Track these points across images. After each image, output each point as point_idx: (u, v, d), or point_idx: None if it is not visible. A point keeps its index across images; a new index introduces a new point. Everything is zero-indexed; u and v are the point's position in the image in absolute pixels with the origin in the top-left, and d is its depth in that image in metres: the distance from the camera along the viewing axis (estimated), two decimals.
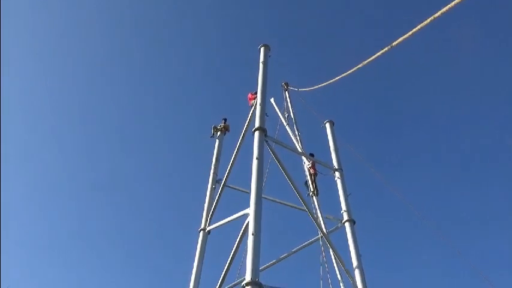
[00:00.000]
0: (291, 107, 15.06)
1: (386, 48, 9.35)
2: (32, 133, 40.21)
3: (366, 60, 10.34)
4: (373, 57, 9.95)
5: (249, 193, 8.93)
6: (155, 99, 41.10)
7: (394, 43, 9.07)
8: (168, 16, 41.94)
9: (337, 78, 12.24)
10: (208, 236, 11.23)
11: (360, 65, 10.68)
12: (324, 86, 13.48)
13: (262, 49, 12.09)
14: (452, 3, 6.79)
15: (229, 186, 11.79)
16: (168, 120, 40.50)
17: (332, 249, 10.52)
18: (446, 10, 7.23)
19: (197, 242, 11.19)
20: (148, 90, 41.22)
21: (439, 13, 7.47)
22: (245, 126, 11.76)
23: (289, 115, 14.86)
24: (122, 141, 40.61)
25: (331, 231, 11.27)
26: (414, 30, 8.32)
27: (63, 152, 39.60)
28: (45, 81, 40.95)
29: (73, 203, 38.46)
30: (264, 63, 11.78)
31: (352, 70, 11.15)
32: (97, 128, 42.25)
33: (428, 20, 7.79)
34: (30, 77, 40.63)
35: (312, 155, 12.86)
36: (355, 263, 10.28)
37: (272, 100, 14.51)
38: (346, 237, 10.90)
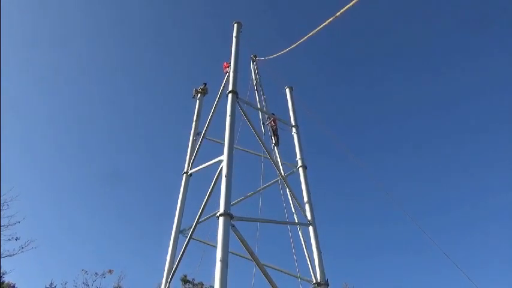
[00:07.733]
0: (258, 74, 15.96)
1: (331, 18, 10.43)
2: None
3: (313, 30, 11.67)
4: (320, 27, 11.20)
5: (223, 143, 10.26)
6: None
7: (338, 13, 10.12)
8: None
9: (292, 46, 13.54)
10: (190, 178, 12.82)
11: (309, 34, 12.09)
12: (287, 52, 14.29)
13: (235, 25, 13.31)
14: None
15: (208, 138, 13.13)
16: (159, 86, 44.76)
17: (288, 188, 12.25)
18: None
19: (181, 183, 12.76)
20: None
21: None
22: (221, 89, 13.19)
23: (257, 81, 15.82)
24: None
25: (288, 174, 13.06)
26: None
27: None
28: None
29: None
30: (237, 37, 13.09)
31: (303, 39, 12.53)
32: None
33: None
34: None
35: (273, 114, 14.59)
36: (305, 198, 12.15)
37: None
38: (300, 179, 12.75)
